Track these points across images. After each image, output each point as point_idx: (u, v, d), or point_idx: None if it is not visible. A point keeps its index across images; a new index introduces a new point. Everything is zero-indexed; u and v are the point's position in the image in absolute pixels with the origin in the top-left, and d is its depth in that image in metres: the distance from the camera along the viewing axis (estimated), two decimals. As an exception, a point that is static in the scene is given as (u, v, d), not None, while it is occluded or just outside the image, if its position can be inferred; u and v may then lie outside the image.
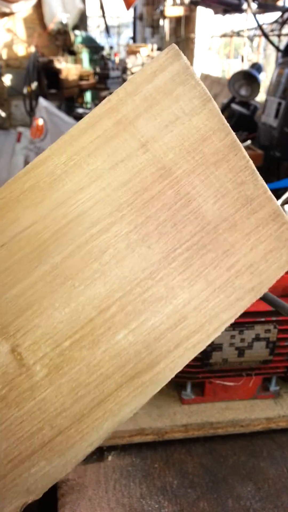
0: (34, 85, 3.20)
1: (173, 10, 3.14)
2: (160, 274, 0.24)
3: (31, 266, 0.24)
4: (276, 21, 1.81)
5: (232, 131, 0.25)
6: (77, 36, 3.77)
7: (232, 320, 0.25)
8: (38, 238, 0.24)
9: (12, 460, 0.24)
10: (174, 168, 0.24)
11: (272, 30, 1.85)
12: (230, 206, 0.24)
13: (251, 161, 0.25)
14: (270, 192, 0.25)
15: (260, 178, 0.25)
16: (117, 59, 3.04)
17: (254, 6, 1.65)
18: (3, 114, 4.02)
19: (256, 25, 1.69)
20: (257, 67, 1.56)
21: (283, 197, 0.93)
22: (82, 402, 0.24)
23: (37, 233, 0.23)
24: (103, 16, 3.60)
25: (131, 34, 4.79)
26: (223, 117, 0.24)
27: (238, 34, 2.42)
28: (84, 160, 0.24)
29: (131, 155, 0.24)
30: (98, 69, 2.70)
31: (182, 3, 3.02)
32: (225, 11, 2.11)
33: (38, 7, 3.91)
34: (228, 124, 0.24)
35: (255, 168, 0.25)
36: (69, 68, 3.29)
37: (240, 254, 0.24)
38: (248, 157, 0.25)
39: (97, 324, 0.24)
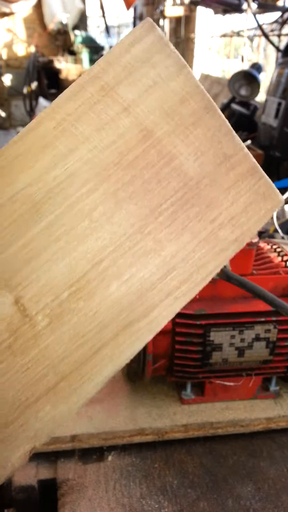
0: (34, 85, 3.20)
1: (173, 10, 3.14)
2: (148, 228, 0.26)
3: (27, 225, 0.25)
4: (276, 21, 1.81)
5: (207, 93, 0.26)
6: (77, 36, 3.77)
7: (218, 270, 0.27)
8: (31, 199, 0.25)
9: (19, 406, 0.26)
10: (156, 129, 0.26)
11: (272, 30, 1.85)
12: (209, 163, 0.26)
13: (227, 121, 0.26)
14: (246, 150, 0.26)
15: (237, 137, 0.26)
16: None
17: (254, 6, 1.65)
18: (3, 114, 4.02)
19: (256, 25, 1.69)
20: (257, 67, 1.56)
21: (283, 197, 0.92)
22: (82, 349, 0.26)
23: (30, 195, 0.25)
24: (103, 16, 3.60)
25: (131, 34, 4.78)
26: (198, 81, 0.26)
27: (238, 34, 2.42)
28: (71, 124, 0.25)
29: (115, 119, 0.25)
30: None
31: (182, 3, 3.02)
32: (225, 11, 2.11)
33: (38, 7, 3.90)
34: (203, 88, 0.26)
35: (231, 128, 0.27)
36: (69, 68, 3.29)
37: (222, 207, 0.26)
38: (223, 117, 0.27)
39: (91, 277, 0.26)
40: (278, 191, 0.27)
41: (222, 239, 0.26)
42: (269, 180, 0.27)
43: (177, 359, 0.48)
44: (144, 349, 0.46)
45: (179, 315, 0.46)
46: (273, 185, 0.27)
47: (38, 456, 0.48)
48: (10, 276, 0.25)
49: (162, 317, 0.26)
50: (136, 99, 0.25)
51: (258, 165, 0.27)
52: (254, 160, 0.27)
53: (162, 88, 0.25)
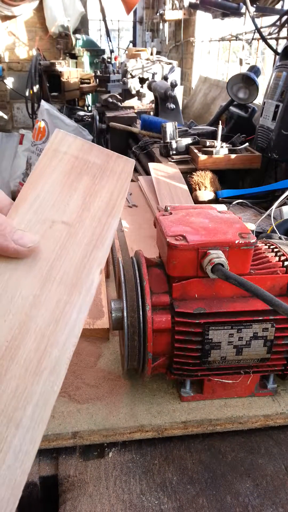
0: (36, 88, 3.23)
1: (172, 13, 3.17)
2: None
3: None
4: (274, 24, 1.82)
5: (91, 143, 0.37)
6: (78, 40, 3.80)
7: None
8: None
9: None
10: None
11: (270, 33, 1.86)
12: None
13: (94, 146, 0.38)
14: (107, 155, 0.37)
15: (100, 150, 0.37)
16: (117, 63, 3.06)
17: (252, 9, 1.67)
18: (6, 117, 4.04)
19: (254, 28, 1.70)
20: (255, 70, 1.58)
21: (280, 199, 0.94)
22: None
23: None
24: (104, 19, 3.63)
25: (131, 38, 4.83)
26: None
27: (236, 37, 2.44)
28: None
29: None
30: (98, 72, 2.73)
31: (181, 7, 3.05)
32: (223, 15, 2.13)
33: (39, 10, 3.94)
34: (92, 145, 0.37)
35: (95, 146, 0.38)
36: (70, 71, 3.32)
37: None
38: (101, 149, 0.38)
39: None
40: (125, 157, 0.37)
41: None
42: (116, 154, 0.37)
43: (177, 357, 0.48)
44: (144, 347, 0.47)
45: (179, 313, 0.47)
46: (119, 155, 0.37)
47: (40, 453, 0.49)
48: None
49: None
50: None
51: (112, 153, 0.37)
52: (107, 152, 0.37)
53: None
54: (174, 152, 1.40)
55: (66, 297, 0.30)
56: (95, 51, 3.76)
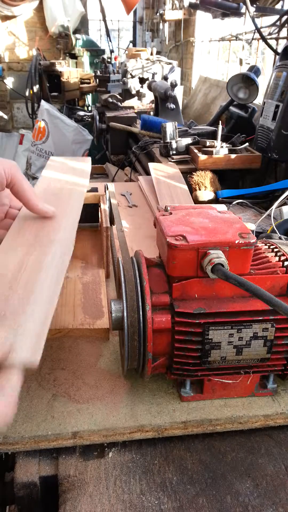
0: (36, 88, 3.23)
1: (172, 13, 3.17)
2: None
3: None
4: (274, 24, 1.83)
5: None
6: (78, 40, 3.81)
7: None
8: None
9: None
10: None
11: (270, 33, 1.86)
12: None
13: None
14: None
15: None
16: (117, 63, 3.06)
17: (252, 9, 1.67)
18: (6, 117, 4.05)
19: (254, 28, 1.70)
20: (255, 70, 1.58)
21: (280, 199, 0.94)
22: None
23: None
24: (104, 19, 3.63)
25: (131, 38, 4.83)
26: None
27: (236, 37, 2.44)
28: None
29: None
30: (98, 72, 2.73)
31: (181, 7, 3.05)
32: (223, 15, 2.14)
33: (39, 10, 3.95)
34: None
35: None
36: (70, 71, 3.32)
37: None
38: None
39: None
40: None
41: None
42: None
43: (177, 357, 0.49)
44: (144, 347, 0.47)
45: (179, 313, 0.47)
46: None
47: (40, 453, 0.49)
48: None
49: None
50: None
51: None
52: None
53: None
54: (174, 152, 1.40)
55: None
56: (95, 51, 3.77)
